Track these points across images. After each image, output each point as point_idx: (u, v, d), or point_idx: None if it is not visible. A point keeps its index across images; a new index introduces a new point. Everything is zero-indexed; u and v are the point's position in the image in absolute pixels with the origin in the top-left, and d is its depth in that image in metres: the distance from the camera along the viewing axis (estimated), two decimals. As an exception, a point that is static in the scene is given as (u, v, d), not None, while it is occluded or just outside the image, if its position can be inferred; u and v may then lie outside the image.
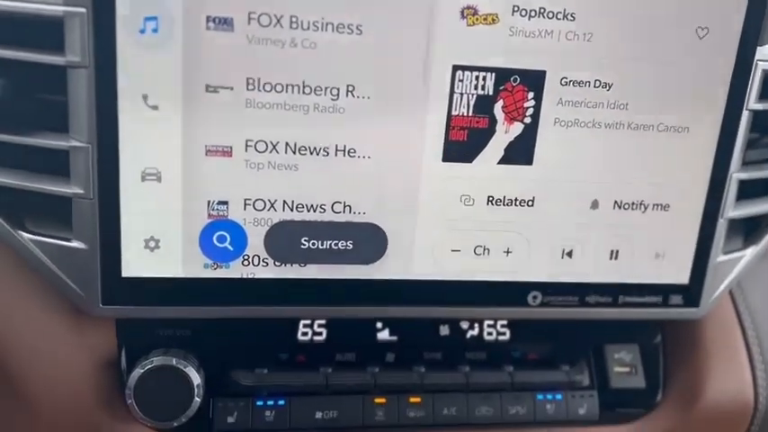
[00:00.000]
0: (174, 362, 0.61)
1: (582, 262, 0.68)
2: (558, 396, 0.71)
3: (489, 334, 0.73)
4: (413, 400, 0.69)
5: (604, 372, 0.74)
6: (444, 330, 0.72)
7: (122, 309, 0.61)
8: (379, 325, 0.71)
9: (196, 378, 0.61)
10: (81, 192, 0.57)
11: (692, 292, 0.71)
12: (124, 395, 0.62)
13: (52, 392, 0.62)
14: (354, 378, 0.67)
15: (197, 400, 0.61)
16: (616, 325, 0.73)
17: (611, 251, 0.68)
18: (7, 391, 0.63)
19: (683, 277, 0.70)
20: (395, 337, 0.71)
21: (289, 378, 0.66)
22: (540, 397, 0.71)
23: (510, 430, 0.71)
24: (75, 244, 0.59)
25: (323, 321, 0.69)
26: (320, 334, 0.69)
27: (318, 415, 0.67)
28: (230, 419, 0.65)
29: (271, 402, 0.66)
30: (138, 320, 0.63)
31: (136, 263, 0.60)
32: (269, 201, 0.61)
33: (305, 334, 0.69)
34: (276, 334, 0.68)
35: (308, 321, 0.69)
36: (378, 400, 0.68)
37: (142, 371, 0.60)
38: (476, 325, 0.72)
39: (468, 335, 0.72)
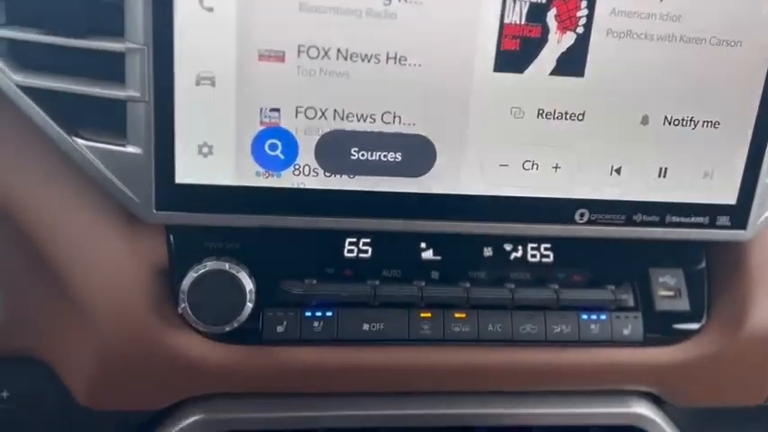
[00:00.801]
0: (227, 267, 0.62)
1: (630, 179, 0.67)
2: (603, 316, 0.71)
3: (533, 256, 0.73)
4: (458, 315, 0.69)
5: (649, 295, 0.73)
6: (488, 252, 0.72)
7: (175, 215, 0.62)
8: (423, 245, 0.71)
9: (248, 283, 0.62)
10: (136, 95, 0.58)
11: (739, 214, 0.70)
12: (175, 303, 0.63)
13: (105, 298, 0.63)
14: (401, 290, 0.67)
15: (249, 305, 0.62)
16: (661, 248, 0.73)
17: (660, 169, 0.68)
18: (62, 295, 0.64)
19: (730, 198, 0.70)
20: (438, 257, 0.71)
21: (337, 289, 0.66)
22: (584, 317, 0.71)
23: (554, 349, 0.71)
24: (129, 149, 0.60)
25: (368, 240, 0.70)
26: (365, 252, 0.70)
27: (365, 327, 0.67)
28: (279, 329, 0.66)
29: (319, 313, 0.67)
30: (190, 229, 0.64)
31: (189, 169, 0.61)
32: (320, 109, 0.61)
33: (351, 251, 0.69)
34: (323, 249, 0.68)
35: (354, 239, 0.70)
36: (423, 315, 0.69)
37: (196, 275, 0.61)
38: (519, 247, 0.73)
39: (512, 257, 0.72)
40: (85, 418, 0.70)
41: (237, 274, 0.62)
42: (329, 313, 0.67)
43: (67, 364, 0.67)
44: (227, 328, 0.62)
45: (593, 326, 0.71)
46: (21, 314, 0.67)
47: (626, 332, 0.72)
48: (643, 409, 0.76)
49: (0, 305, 0.67)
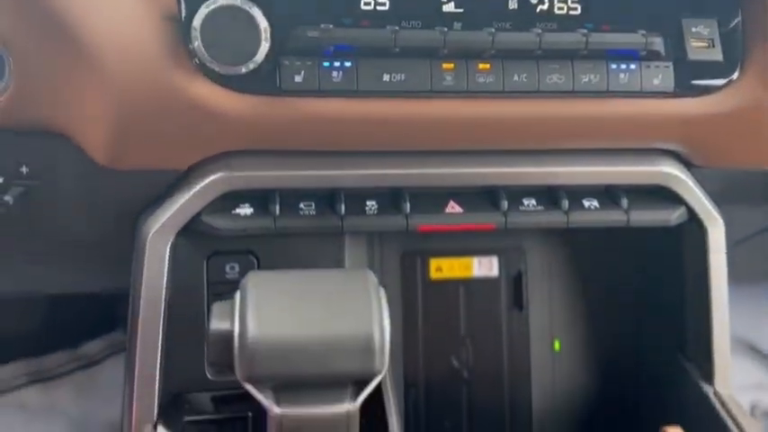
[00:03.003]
0: (240, 2, 0.59)
1: None
2: (632, 66, 0.69)
3: (560, 9, 0.69)
4: (482, 66, 0.67)
5: (681, 45, 0.70)
6: (513, 4, 0.68)
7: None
8: None
9: (263, 21, 0.59)
10: None
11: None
12: (190, 52, 0.61)
13: (117, 48, 0.61)
14: (422, 35, 0.64)
15: (265, 44, 0.60)
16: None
17: None
18: (72, 53, 0.62)
19: (774, -73, 0.65)
20: (461, 10, 0.67)
21: (355, 34, 0.63)
22: (613, 66, 0.68)
23: (582, 100, 0.69)
24: None
25: (385, -8, 0.66)
26: (383, 4, 0.66)
27: (386, 77, 0.65)
28: (297, 78, 0.64)
29: (337, 63, 0.64)
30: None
31: None
32: None
33: (367, 4, 0.66)
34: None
35: (370, -8, 0.66)
36: (446, 66, 0.66)
37: (207, 10, 0.58)
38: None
39: (539, 9, 0.69)
40: (109, 184, 0.69)
41: (250, 10, 0.59)
42: (348, 63, 0.64)
43: (84, 126, 0.66)
44: (243, 69, 0.60)
45: (622, 75, 0.68)
46: (32, 81, 0.65)
47: (656, 82, 0.69)
48: (671, 168, 0.74)
49: (10, 73, 0.65)
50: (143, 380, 0.69)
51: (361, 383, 0.54)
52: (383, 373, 0.53)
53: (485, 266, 0.88)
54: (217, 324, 0.55)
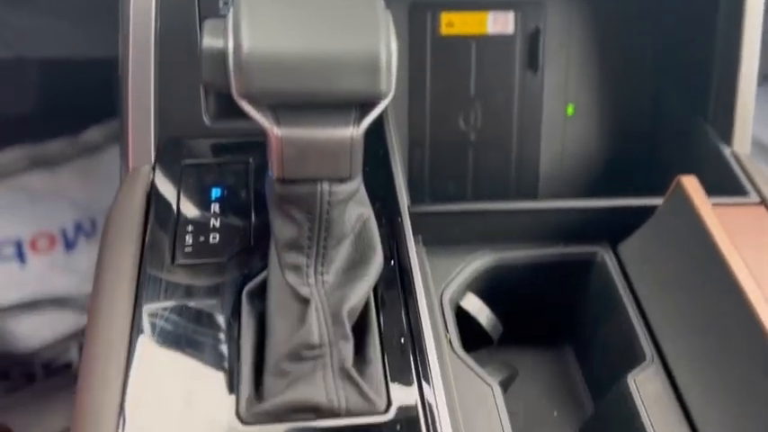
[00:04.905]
0: None
1: None
2: None
3: None
4: None
5: None
6: None
7: None
8: None
9: None
10: None
11: None
12: None
13: None
14: None
15: None
16: None
17: None
18: None
19: None
20: None
21: None
22: None
23: None
24: None
25: None
26: None
27: None
28: None
29: None
30: None
31: None
32: None
33: None
34: None
35: None
36: None
37: None
38: None
39: None
40: None
41: None
42: None
43: None
44: None
45: None
46: None
47: None
48: None
49: None
50: (137, 121, 0.66)
51: (365, 107, 0.50)
52: (389, 98, 0.49)
53: (500, 22, 0.82)
54: (209, 41, 0.50)
